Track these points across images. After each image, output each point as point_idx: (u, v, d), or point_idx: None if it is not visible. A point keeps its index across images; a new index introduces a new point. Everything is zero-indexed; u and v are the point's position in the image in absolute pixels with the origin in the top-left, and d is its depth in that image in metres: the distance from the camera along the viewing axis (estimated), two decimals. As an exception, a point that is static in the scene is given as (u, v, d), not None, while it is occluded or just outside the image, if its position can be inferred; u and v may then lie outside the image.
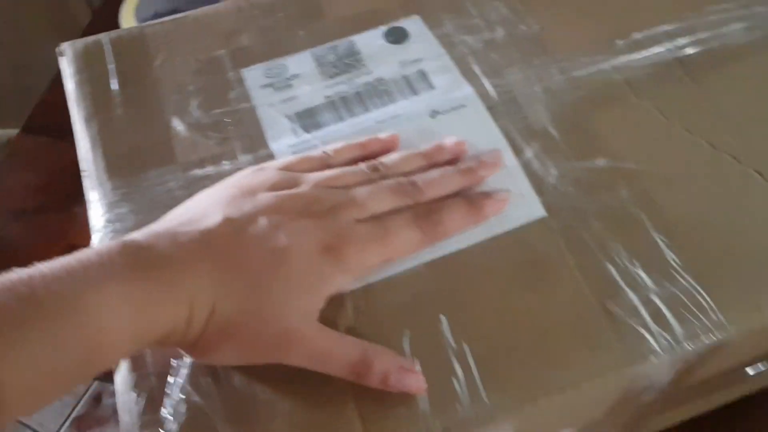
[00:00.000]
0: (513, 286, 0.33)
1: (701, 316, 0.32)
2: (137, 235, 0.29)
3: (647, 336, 0.32)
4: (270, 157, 0.38)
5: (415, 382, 0.30)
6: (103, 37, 0.43)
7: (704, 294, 0.33)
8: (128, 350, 0.29)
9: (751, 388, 0.46)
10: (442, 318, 0.32)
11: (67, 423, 0.63)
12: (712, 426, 0.46)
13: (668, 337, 0.32)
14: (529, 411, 0.31)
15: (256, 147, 0.38)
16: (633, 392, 0.34)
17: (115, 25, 0.68)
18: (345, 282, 0.32)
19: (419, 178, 0.34)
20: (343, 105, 0.40)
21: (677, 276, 0.33)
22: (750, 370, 0.41)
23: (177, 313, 0.28)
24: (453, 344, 0.32)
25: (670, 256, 0.34)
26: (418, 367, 0.31)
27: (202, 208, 0.31)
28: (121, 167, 0.38)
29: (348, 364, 0.30)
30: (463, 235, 0.34)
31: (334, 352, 0.30)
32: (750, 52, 0.41)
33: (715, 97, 0.40)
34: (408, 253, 0.33)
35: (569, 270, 0.34)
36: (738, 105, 0.39)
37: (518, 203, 0.35)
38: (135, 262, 0.28)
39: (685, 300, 0.33)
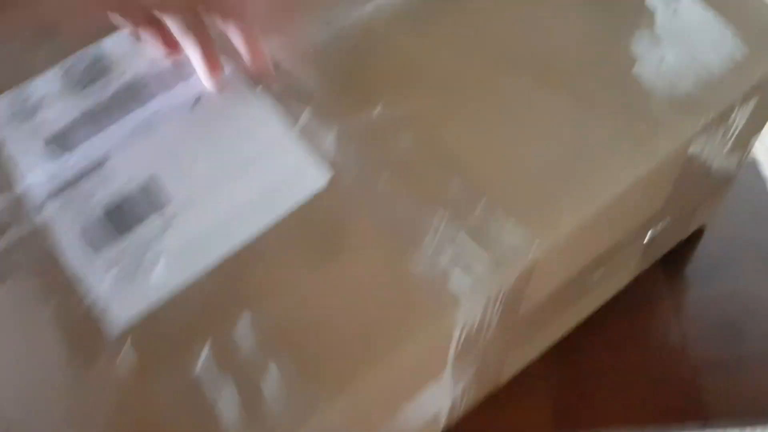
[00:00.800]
0: (312, 263, 0.31)
1: (502, 242, 0.31)
2: None
3: (451, 281, 0.30)
4: (25, 193, 0.33)
5: None
6: None
7: (502, 220, 0.31)
8: None
9: (597, 301, 0.45)
10: (244, 314, 0.29)
11: None
12: (575, 340, 0.45)
13: (473, 276, 0.30)
14: (353, 390, 0.28)
15: (10, 184, 0.34)
16: (467, 338, 0.32)
17: None
18: None
19: None
20: (102, 113, 0.36)
21: (473, 208, 0.32)
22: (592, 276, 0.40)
23: None
24: (258, 340, 0.28)
25: (463, 189, 0.32)
26: None
27: None
28: None
29: None
30: (250, 223, 0.31)
31: None
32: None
33: (481, 19, 0.38)
34: None
35: (365, 230, 0.31)
36: (504, 23, 0.38)
37: (301, 177, 0.33)
38: None
39: (484, 231, 0.31)
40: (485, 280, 0.30)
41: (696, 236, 0.49)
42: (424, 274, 0.30)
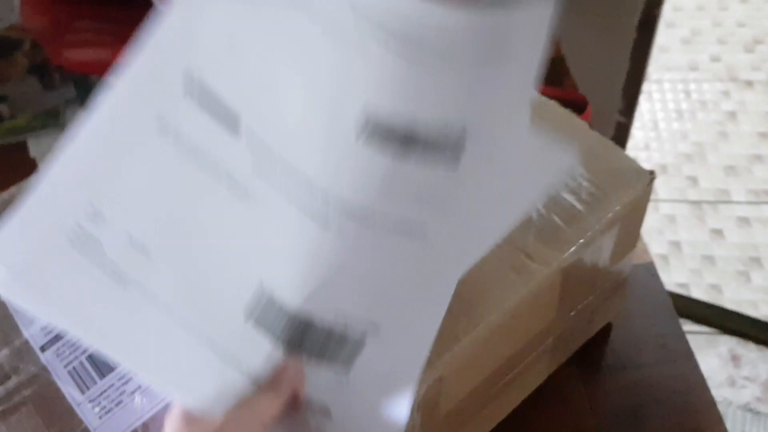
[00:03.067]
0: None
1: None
2: None
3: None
4: (26, 343, 0.43)
5: None
6: None
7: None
8: None
9: (516, 398, 0.53)
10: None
11: None
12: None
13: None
14: None
15: (11, 338, 0.44)
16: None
17: None
18: None
19: None
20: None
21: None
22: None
23: None
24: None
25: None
26: None
27: None
28: None
29: None
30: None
31: None
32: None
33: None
34: None
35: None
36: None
37: None
38: None
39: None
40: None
41: (605, 334, 0.58)
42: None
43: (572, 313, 0.50)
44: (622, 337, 0.57)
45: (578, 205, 0.45)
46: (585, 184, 0.46)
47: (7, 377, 0.42)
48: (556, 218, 0.45)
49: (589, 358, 0.56)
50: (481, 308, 0.41)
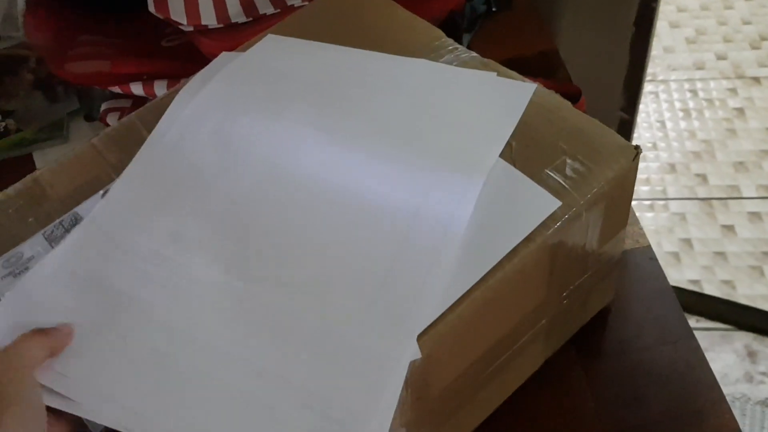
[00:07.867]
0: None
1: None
2: None
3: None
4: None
5: None
6: None
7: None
8: None
9: (514, 381, 0.53)
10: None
11: None
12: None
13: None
14: None
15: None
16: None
17: None
18: None
19: None
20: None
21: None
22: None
23: None
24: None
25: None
26: None
27: None
28: None
29: None
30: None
31: None
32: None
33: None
34: None
35: None
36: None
37: None
38: None
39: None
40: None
41: (604, 318, 0.57)
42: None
43: (564, 294, 0.50)
44: (621, 320, 0.57)
45: (563, 182, 0.45)
46: (569, 161, 0.46)
47: None
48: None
49: (588, 342, 0.56)
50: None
